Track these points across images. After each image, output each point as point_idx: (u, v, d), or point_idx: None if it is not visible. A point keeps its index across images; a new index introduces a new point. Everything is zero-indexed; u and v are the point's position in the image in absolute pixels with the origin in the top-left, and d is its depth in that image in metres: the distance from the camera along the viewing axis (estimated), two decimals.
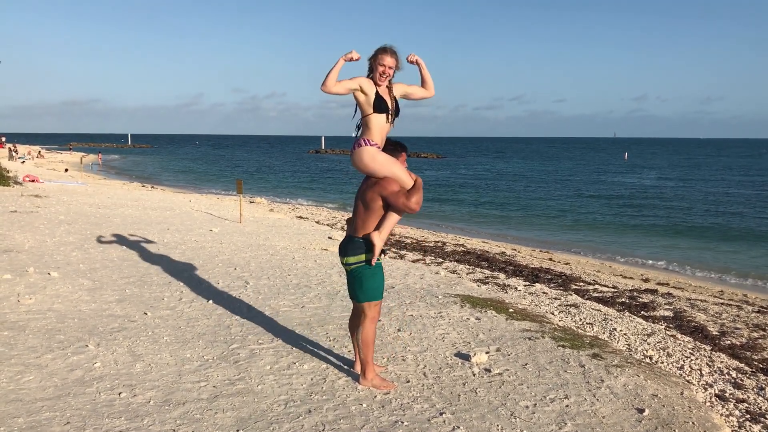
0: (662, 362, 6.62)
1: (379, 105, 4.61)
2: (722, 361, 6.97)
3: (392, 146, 4.78)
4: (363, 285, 4.73)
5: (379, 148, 4.65)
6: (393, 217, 4.65)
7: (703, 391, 5.92)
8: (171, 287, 7.94)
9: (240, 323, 6.53)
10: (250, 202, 23.54)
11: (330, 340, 6.10)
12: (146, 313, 6.74)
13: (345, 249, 4.77)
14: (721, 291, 13.52)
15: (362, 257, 4.70)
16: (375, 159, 4.57)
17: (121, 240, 11.20)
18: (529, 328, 6.87)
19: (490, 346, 6.16)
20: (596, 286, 11.92)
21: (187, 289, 7.86)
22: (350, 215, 4.95)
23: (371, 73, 4.66)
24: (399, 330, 6.54)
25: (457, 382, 5.15)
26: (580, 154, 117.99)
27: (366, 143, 4.60)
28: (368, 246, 4.67)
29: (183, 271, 8.87)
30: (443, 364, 5.57)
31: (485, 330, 6.71)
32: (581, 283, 12.20)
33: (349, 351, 5.80)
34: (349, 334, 6.27)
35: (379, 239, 4.62)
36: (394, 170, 4.60)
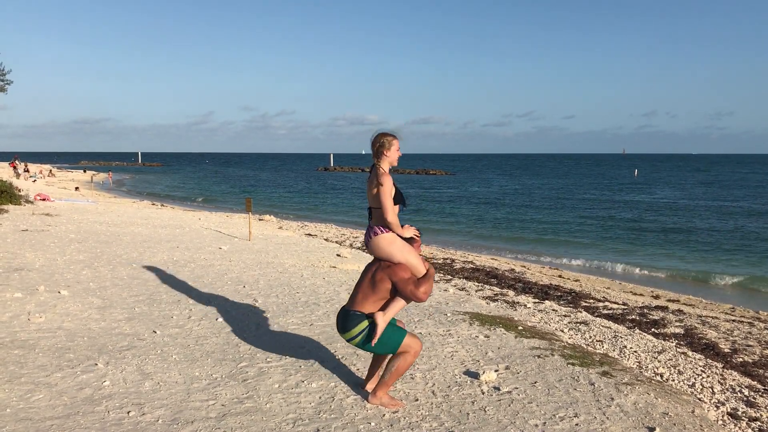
0: (673, 380, 6.57)
1: (398, 197, 4.78)
2: (734, 379, 6.91)
3: None
4: (382, 343, 4.73)
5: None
6: (399, 303, 4.76)
7: (715, 409, 5.86)
8: (180, 305, 7.96)
9: (248, 341, 6.53)
10: (260, 220, 23.60)
11: (338, 359, 6.09)
12: (155, 332, 6.75)
13: (344, 324, 4.79)
14: (732, 308, 13.42)
15: (361, 326, 4.70)
16: (393, 245, 4.74)
17: (130, 258, 11.25)
18: (538, 346, 6.83)
19: (499, 364, 6.13)
20: (606, 303, 11.85)
21: (197, 307, 7.88)
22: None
23: (380, 157, 4.79)
24: None
25: (466, 401, 5.13)
26: (589, 170, 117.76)
27: (381, 231, 4.76)
28: (362, 319, 4.72)
29: (192, 289, 8.89)
30: (452, 382, 5.55)
31: (494, 348, 6.69)
32: (591, 300, 12.14)
33: (358, 369, 5.79)
34: (357, 353, 6.26)
35: (382, 321, 4.69)
36: (409, 258, 4.75)
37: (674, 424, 4.84)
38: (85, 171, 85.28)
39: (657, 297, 14.20)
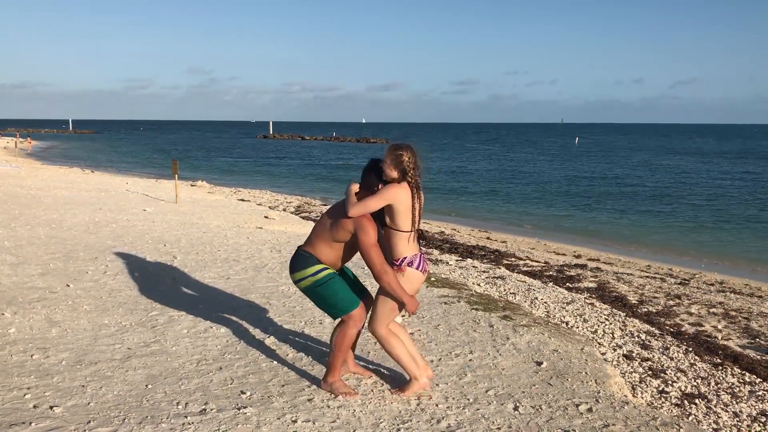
0: (578, 327, 6.94)
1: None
2: (634, 326, 7.33)
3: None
4: (326, 301, 4.21)
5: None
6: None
7: (612, 351, 6.24)
8: (97, 262, 7.93)
9: (162, 293, 6.59)
10: (191, 185, 23.32)
11: (250, 308, 6.22)
12: (68, 285, 6.74)
13: (292, 264, 4.29)
14: (649, 265, 13.98)
15: (308, 271, 4.19)
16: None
17: (49, 219, 11.05)
18: (447, 294, 7.11)
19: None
20: (527, 261, 12.25)
21: (114, 264, 7.86)
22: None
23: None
24: None
25: (368, 342, 5.34)
26: (530, 139, 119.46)
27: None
28: (312, 260, 4.19)
29: (111, 248, 8.84)
30: None
31: None
32: (513, 259, 12.52)
33: (269, 316, 5.94)
34: (270, 302, 6.40)
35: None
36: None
37: (561, 359, 5.16)
38: (28, 138, 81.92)
39: (578, 256, 14.68)
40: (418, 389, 4.30)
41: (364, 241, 3.96)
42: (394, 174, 4.00)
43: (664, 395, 5.31)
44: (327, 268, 4.19)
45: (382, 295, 4.13)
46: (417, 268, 4.08)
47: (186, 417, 3.78)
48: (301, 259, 4.21)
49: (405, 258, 4.04)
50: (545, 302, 7.96)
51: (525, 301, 7.95)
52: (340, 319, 4.27)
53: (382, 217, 4.09)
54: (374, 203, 3.95)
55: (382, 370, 4.71)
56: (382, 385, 4.41)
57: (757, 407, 5.11)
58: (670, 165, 49.35)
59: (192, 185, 23.54)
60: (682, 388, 5.48)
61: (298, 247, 4.32)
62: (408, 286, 4.05)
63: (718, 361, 6.31)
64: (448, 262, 10.45)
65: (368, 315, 4.33)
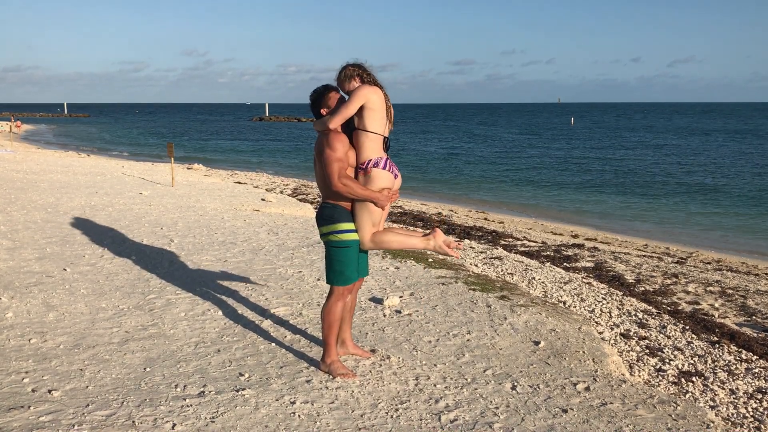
0: (575, 306, 6.97)
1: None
2: (632, 305, 7.36)
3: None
4: (331, 263, 4.20)
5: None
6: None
7: (610, 330, 6.27)
8: (93, 246, 7.92)
9: (160, 276, 6.59)
10: (187, 168, 23.26)
11: (248, 290, 6.22)
12: (65, 269, 6.73)
13: (320, 217, 4.21)
14: (646, 245, 14.02)
15: (338, 227, 4.10)
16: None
17: (46, 203, 11.02)
18: (444, 275, 7.11)
19: (404, 291, 6.38)
20: (524, 242, 12.27)
21: (110, 248, 7.85)
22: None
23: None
24: (318, 279, 6.70)
25: (366, 323, 5.36)
26: (527, 120, 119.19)
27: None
28: (338, 213, 4.11)
29: (107, 231, 8.82)
30: (356, 307, 5.75)
31: (402, 278, 6.93)
32: (510, 239, 12.54)
33: (267, 299, 5.94)
34: (268, 284, 6.41)
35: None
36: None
37: (559, 339, 5.18)
38: (18, 121, 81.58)
39: (576, 236, 14.71)
40: (438, 243, 4.16)
41: (329, 154, 3.91)
42: (356, 84, 4.00)
43: (662, 373, 5.34)
44: (354, 231, 4.11)
45: (355, 210, 4.08)
46: (383, 168, 4.01)
47: (184, 399, 3.79)
48: (327, 211, 4.11)
49: (370, 160, 3.99)
50: (542, 282, 7.99)
51: (522, 281, 7.97)
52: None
53: (352, 124, 4.03)
54: (351, 107, 3.92)
55: (380, 350, 4.72)
56: (381, 366, 4.42)
57: (753, 384, 5.14)
58: (667, 144, 49.30)
59: (188, 168, 23.47)
60: (679, 367, 5.50)
61: (321, 202, 4.23)
62: (374, 186, 4.00)
63: (715, 339, 6.34)
64: None
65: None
